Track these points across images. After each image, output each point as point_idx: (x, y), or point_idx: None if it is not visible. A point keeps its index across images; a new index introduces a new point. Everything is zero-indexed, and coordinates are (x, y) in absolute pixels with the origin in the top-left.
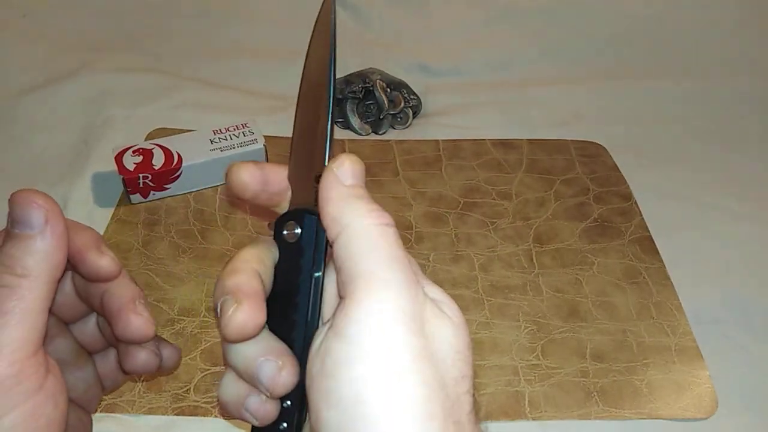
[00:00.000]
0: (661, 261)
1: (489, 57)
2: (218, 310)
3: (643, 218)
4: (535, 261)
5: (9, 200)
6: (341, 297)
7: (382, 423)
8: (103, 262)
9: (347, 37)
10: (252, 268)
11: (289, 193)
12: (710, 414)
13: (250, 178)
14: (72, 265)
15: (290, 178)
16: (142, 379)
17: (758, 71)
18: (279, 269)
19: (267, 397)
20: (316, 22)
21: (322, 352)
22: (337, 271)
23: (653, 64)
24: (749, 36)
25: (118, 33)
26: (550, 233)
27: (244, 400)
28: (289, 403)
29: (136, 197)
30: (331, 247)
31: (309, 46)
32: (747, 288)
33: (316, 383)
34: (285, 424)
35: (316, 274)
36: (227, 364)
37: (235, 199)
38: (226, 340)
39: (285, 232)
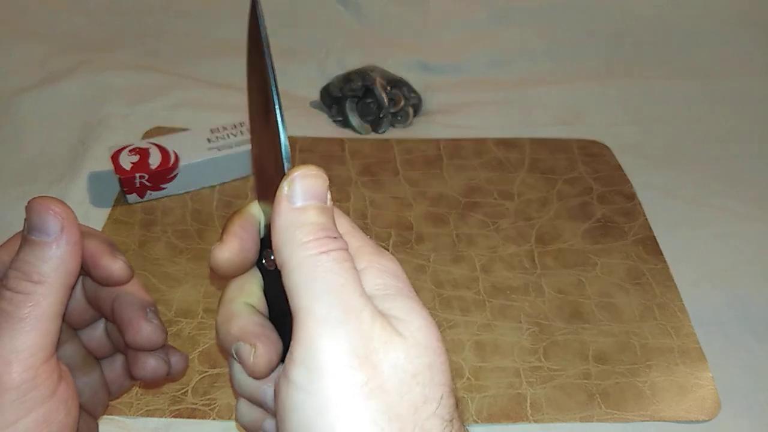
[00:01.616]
0: (665, 262)
1: (490, 55)
2: (234, 354)
3: (646, 218)
4: (537, 262)
5: (26, 207)
6: (292, 333)
7: None
8: (116, 266)
9: (347, 34)
10: (244, 304)
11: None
12: (713, 416)
13: (236, 257)
14: (85, 269)
15: (260, 198)
16: (140, 384)
17: (763, 71)
18: (267, 294)
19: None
20: (248, 34)
21: (278, 391)
22: None
23: (656, 63)
24: (751, 35)
25: (114, 32)
26: (553, 233)
27: (261, 423)
28: None
29: (132, 197)
30: None
31: (247, 61)
32: (751, 289)
33: (278, 418)
34: None
35: None
36: (237, 393)
37: (222, 280)
38: (257, 379)
39: (264, 261)
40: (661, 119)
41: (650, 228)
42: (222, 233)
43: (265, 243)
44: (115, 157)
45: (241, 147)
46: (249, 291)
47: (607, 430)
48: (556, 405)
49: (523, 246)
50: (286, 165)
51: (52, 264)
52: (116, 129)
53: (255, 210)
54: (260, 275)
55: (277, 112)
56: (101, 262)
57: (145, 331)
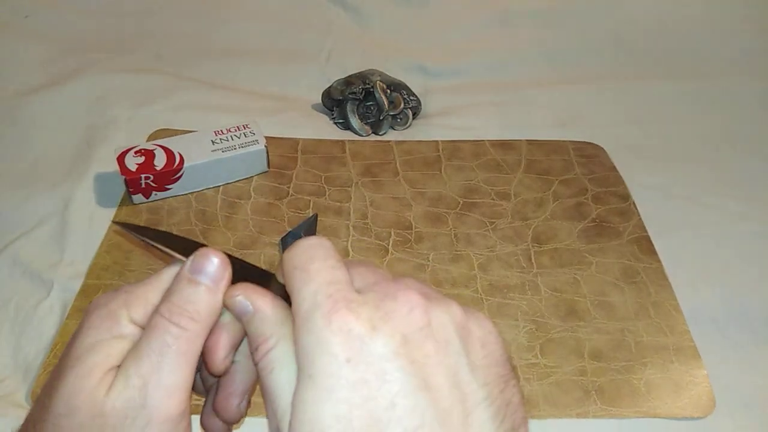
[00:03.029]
0: (659, 261)
1: (488, 58)
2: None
3: (641, 218)
4: (533, 261)
5: (196, 251)
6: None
7: None
8: (222, 367)
9: (347, 37)
10: None
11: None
12: (708, 413)
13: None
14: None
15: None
16: None
17: (757, 71)
18: None
19: None
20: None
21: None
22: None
23: (651, 65)
24: (748, 36)
25: (120, 34)
26: (549, 233)
27: None
28: None
29: (137, 198)
30: None
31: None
32: (745, 288)
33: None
34: None
35: None
36: None
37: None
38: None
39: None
40: (655, 121)
41: (645, 228)
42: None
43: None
44: (120, 159)
45: (244, 148)
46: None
47: (602, 426)
48: (553, 401)
49: (519, 245)
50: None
51: (207, 306)
52: (121, 131)
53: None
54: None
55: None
56: (217, 357)
57: (232, 413)
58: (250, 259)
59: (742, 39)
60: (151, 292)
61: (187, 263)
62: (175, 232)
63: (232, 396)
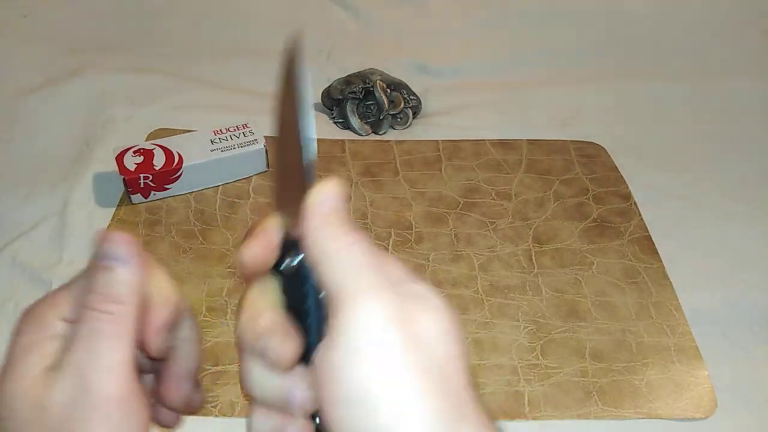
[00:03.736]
0: (660, 261)
1: (488, 58)
2: (259, 349)
3: (642, 218)
4: (534, 261)
5: (96, 239)
6: (330, 315)
7: (384, 409)
8: (156, 345)
9: (348, 37)
10: (270, 305)
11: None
12: (709, 414)
13: (263, 251)
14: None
15: (279, 210)
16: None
17: (757, 72)
18: (285, 297)
19: (301, 416)
20: (284, 68)
21: (323, 362)
22: (325, 291)
23: (652, 65)
24: (748, 36)
25: (118, 34)
26: (550, 233)
27: (282, 430)
28: (318, 420)
29: (136, 197)
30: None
31: (281, 77)
32: (745, 288)
33: (323, 389)
34: None
35: (321, 296)
36: (253, 401)
37: (249, 276)
38: (283, 370)
39: (283, 267)
40: (656, 121)
41: (646, 228)
42: (246, 237)
43: (285, 247)
44: (119, 158)
45: (243, 148)
46: (271, 293)
47: (603, 427)
48: (554, 402)
49: (520, 245)
50: (311, 179)
51: (127, 286)
52: (120, 130)
53: (275, 220)
54: (277, 282)
55: (301, 140)
56: (146, 337)
57: (173, 398)
58: None
59: (742, 39)
60: (75, 290)
61: (95, 252)
62: (173, 233)
63: (172, 380)
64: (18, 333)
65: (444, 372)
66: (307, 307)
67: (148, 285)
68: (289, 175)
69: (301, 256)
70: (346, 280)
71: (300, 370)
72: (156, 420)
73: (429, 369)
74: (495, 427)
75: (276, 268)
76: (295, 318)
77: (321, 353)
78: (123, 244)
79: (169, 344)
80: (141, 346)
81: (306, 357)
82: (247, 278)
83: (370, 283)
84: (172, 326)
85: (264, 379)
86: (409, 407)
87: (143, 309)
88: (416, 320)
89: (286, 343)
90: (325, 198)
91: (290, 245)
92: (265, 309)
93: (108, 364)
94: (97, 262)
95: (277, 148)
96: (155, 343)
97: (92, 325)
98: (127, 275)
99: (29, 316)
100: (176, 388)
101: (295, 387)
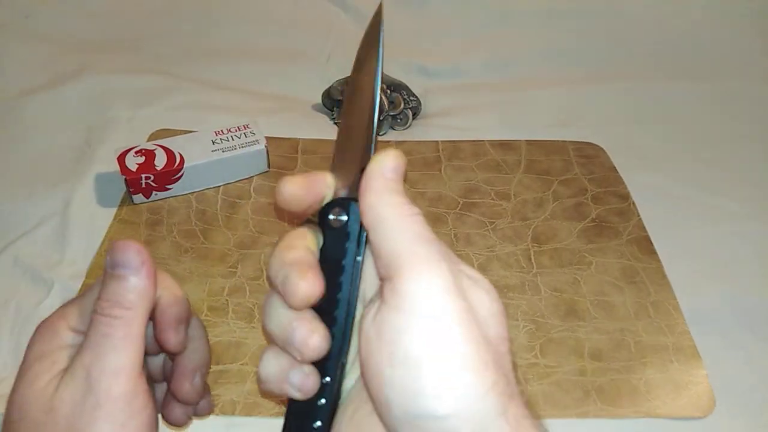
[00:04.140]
0: (659, 261)
1: (488, 58)
2: (280, 280)
3: (640, 218)
4: (533, 261)
5: (109, 248)
6: (384, 277)
7: (433, 375)
8: (174, 341)
9: (348, 38)
10: (305, 245)
11: (325, 193)
12: (708, 413)
13: (301, 191)
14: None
15: (334, 170)
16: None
17: (757, 72)
18: (324, 252)
19: (299, 360)
20: (366, 33)
21: (378, 323)
22: (376, 254)
23: (652, 65)
24: (749, 36)
25: (120, 34)
26: (549, 233)
27: (286, 374)
28: (328, 379)
29: (138, 197)
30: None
31: (358, 55)
32: (744, 287)
33: (375, 350)
34: (324, 400)
35: (359, 258)
36: (267, 334)
37: (284, 213)
38: (293, 307)
39: (331, 218)
40: (655, 121)
41: (644, 228)
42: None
43: (334, 204)
44: (121, 159)
45: (245, 148)
46: (310, 240)
47: (602, 426)
48: (553, 401)
49: (519, 245)
50: (373, 145)
51: (137, 293)
52: (122, 131)
53: (326, 174)
54: (319, 236)
55: (376, 104)
56: (163, 335)
57: (186, 391)
58: (250, 259)
59: (743, 39)
60: (85, 301)
61: (107, 262)
62: (175, 233)
63: (184, 374)
64: (31, 343)
65: (496, 350)
66: (343, 264)
67: (158, 287)
68: (353, 138)
69: (346, 218)
70: (405, 248)
71: (310, 314)
72: (167, 419)
73: (483, 344)
74: (536, 414)
75: (320, 221)
76: (330, 273)
77: (377, 313)
78: (133, 253)
79: (185, 339)
80: (160, 345)
81: (333, 315)
82: (279, 213)
83: (430, 254)
84: (188, 321)
85: (277, 314)
86: (458, 379)
87: (156, 309)
88: (471, 297)
89: (306, 278)
90: (389, 164)
91: (335, 204)
92: (298, 246)
93: (114, 366)
94: (110, 271)
95: (346, 110)
96: (175, 338)
97: (101, 330)
98: (137, 281)
99: (42, 327)
100: (188, 382)
101: (300, 327)
